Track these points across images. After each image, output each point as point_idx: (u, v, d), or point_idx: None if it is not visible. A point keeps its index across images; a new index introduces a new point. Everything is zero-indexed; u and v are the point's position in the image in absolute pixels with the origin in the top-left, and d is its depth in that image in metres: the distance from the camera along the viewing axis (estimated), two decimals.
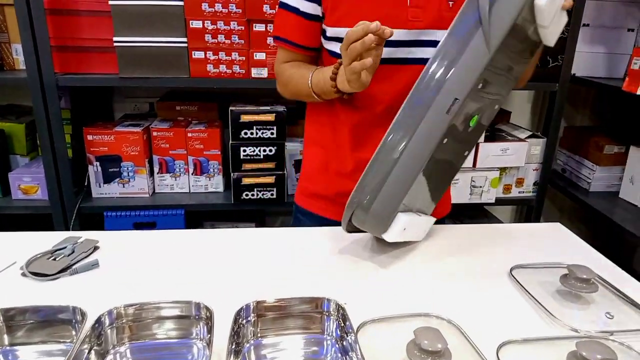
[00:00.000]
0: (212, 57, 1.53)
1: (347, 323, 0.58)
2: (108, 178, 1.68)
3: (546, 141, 1.79)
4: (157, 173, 1.73)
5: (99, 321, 0.56)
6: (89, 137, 1.62)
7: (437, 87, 0.72)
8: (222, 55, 1.53)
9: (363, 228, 0.82)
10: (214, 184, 1.76)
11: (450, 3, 0.89)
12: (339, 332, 0.60)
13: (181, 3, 1.47)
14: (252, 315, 0.58)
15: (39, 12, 1.42)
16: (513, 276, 0.79)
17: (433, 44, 0.89)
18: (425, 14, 0.88)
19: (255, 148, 1.65)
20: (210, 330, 0.55)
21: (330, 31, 0.92)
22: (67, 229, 1.63)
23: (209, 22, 1.49)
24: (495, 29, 0.70)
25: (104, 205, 1.65)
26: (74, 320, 0.58)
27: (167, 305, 0.58)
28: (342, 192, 1.01)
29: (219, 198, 1.74)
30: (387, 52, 0.87)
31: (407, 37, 0.88)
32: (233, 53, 1.53)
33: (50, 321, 0.59)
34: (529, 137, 1.80)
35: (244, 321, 0.58)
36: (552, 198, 2.24)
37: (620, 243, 2.25)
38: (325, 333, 0.62)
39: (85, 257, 0.80)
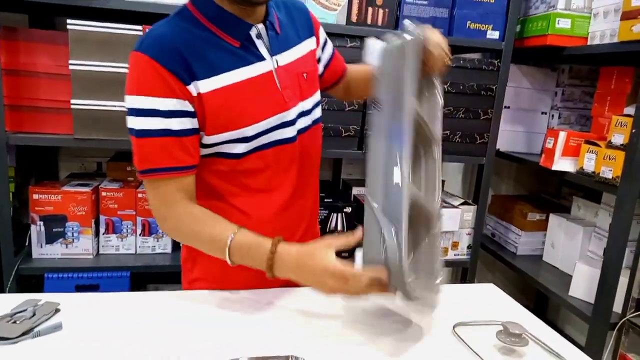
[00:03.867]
0: None
1: None
2: (51, 238, 1.63)
3: (476, 208, 1.96)
4: (103, 234, 1.70)
5: None
6: (35, 196, 1.59)
7: None
8: None
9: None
10: (162, 244, 1.76)
11: (305, 75, 0.98)
12: None
13: None
14: None
15: None
16: (456, 333, 0.88)
17: (303, 114, 0.98)
18: (293, 91, 0.95)
19: None
20: None
21: (217, 138, 0.88)
22: (2, 291, 1.55)
23: None
24: None
25: (44, 267, 1.59)
26: None
27: None
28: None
29: (166, 259, 1.73)
30: (281, 133, 0.93)
31: (290, 116, 0.94)
32: None
33: None
34: (462, 204, 1.96)
35: None
36: (484, 260, 2.40)
37: (546, 302, 2.43)
38: None
39: (47, 319, 0.79)
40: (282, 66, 0.93)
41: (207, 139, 0.89)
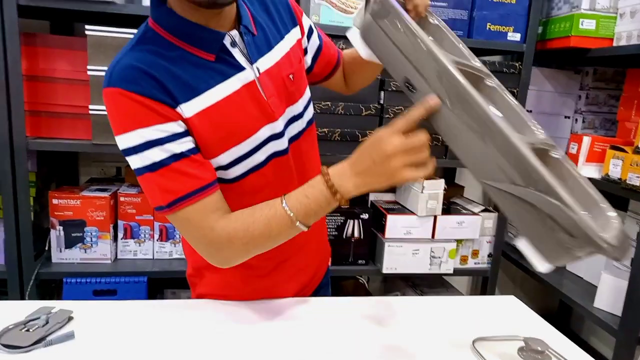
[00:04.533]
0: None
1: None
2: (70, 243, 1.64)
3: (497, 215, 1.91)
4: (121, 239, 1.71)
5: None
6: (54, 201, 1.61)
7: None
8: None
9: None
10: (179, 250, 1.76)
11: (291, 76, 0.89)
12: None
13: None
14: None
15: (17, 78, 1.45)
16: (475, 348, 0.84)
17: (295, 119, 0.90)
18: (280, 99, 0.86)
19: None
20: None
21: (213, 163, 0.82)
22: (22, 295, 1.57)
23: None
24: None
25: (63, 271, 1.61)
26: None
27: None
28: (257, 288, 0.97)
29: (183, 265, 1.72)
30: (273, 146, 0.86)
31: (275, 128, 0.86)
32: None
33: None
34: (482, 211, 1.92)
35: None
36: (506, 269, 2.35)
37: (569, 312, 2.36)
38: None
39: (60, 327, 0.79)
40: (264, 72, 0.84)
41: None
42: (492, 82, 0.79)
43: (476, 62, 0.80)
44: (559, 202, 0.62)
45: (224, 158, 0.81)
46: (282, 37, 0.91)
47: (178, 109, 0.76)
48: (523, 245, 0.68)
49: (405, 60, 0.71)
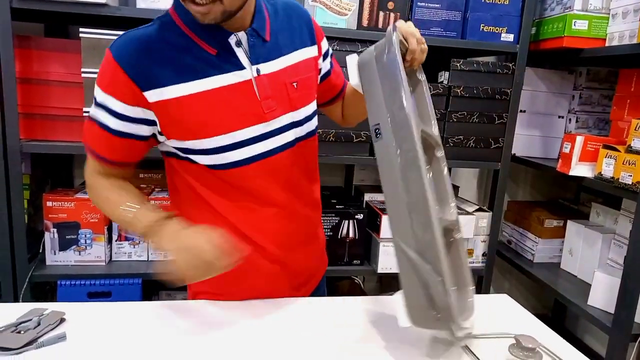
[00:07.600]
0: None
1: None
2: (64, 245, 1.64)
3: (492, 215, 1.92)
4: (116, 241, 1.71)
5: None
6: (49, 204, 1.60)
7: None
8: None
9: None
10: None
11: (295, 84, 0.93)
12: None
13: None
14: None
15: (10, 81, 1.45)
16: (467, 346, 0.85)
17: (293, 125, 0.93)
18: (276, 102, 0.90)
19: None
20: None
21: (181, 144, 0.88)
22: (16, 298, 1.56)
23: None
24: None
25: (57, 274, 1.60)
26: None
27: None
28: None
29: None
30: (264, 146, 0.89)
31: (266, 129, 0.89)
32: None
33: None
34: (476, 210, 1.93)
35: None
36: (500, 268, 2.35)
37: (564, 311, 2.37)
38: None
39: (52, 329, 0.79)
40: (265, 75, 0.89)
41: (174, 143, 0.89)
42: (440, 153, 0.89)
43: (435, 130, 0.89)
44: (442, 284, 0.73)
45: (194, 144, 0.87)
46: (295, 49, 0.96)
47: (150, 92, 0.83)
48: (398, 300, 0.80)
49: (385, 108, 0.78)
